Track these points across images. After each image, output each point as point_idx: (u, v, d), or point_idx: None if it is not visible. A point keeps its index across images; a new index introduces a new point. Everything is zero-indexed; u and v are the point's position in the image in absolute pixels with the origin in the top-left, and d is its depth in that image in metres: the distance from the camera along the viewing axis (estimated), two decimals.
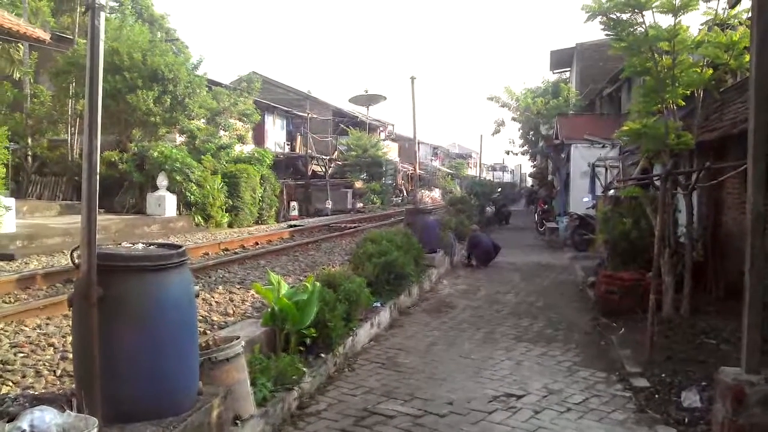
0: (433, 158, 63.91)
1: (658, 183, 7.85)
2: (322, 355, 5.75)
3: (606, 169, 14.19)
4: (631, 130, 7.80)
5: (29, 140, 20.47)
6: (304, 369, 5.18)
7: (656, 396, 5.30)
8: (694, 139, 7.49)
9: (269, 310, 5.55)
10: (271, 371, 4.75)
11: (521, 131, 35.07)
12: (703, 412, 4.81)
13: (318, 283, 5.95)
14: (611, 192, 12.61)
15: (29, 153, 20.60)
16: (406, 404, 5.15)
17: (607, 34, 8.10)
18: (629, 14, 7.47)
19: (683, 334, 6.81)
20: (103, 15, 3.13)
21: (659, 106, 7.70)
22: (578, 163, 18.28)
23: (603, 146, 16.99)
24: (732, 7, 6.76)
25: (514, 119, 34.07)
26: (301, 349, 5.57)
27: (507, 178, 76.60)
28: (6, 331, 5.71)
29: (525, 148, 37.67)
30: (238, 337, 4.36)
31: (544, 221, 22.58)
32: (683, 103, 7.91)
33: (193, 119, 21.07)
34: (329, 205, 30.66)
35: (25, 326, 5.88)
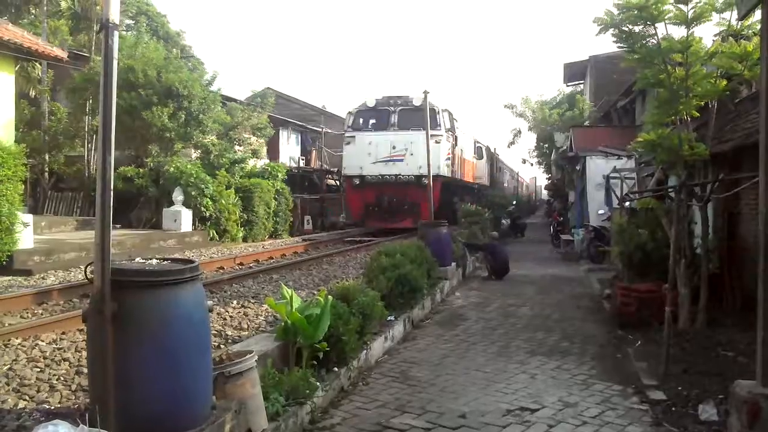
0: None
1: (673, 194, 7.81)
2: (335, 369, 5.75)
3: (621, 181, 14.11)
4: (646, 141, 7.79)
5: (47, 156, 20.72)
6: (317, 383, 5.18)
7: (673, 409, 5.25)
8: (708, 150, 7.45)
9: (282, 324, 5.56)
10: (283, 385, 4.75)
11: (536, 143, 35.08)
12: (720, 426, 4.76)
13: (331, 297, 5.96)
14: (627, 204, 12.55)
15: (46, 169, 20.86)
16: (419, 418, 5.13)
17: (619, 47, 8.10)
18: (641, 26, 7.46)
19: (700, 347, 6.75)
20: (116, 34, 3.18)
21: (673, 117, 7.67)
22: (593, 175, 18.21)
23: (618, 158, 16.92)
24: (742, 18, 6.73)
25: (530, 129, 34.15)
26: (315, 363, 5.57)
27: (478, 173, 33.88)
28: (23, 345, 5.77)
29: (540, 159, 37.71)
30: (251, 352, 4.38)
31: (559, 233, 22.49)
32: (697, 114, 7.88)
33: (207, 134, 21.24)
34: (344, 218, 30.66)
35: (41, 341, 5.94)
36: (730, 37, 7.74)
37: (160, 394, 3.34)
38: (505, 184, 49.92)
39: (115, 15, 3.19)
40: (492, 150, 39.26)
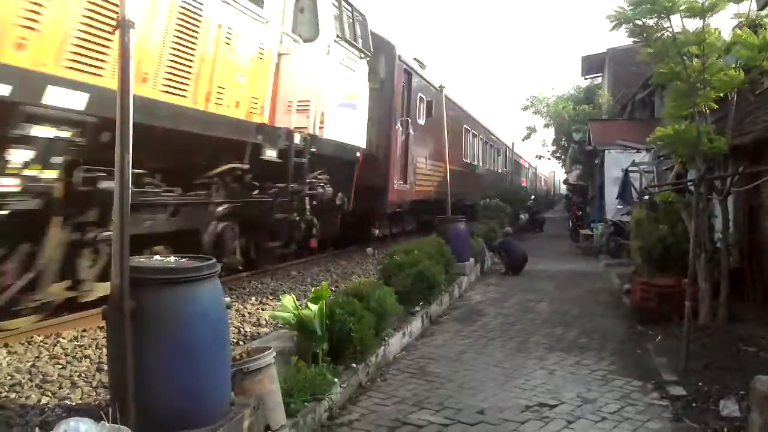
0: None
1: (692, 188, 7.73)
2: (354, 365, 5.77)
3: (640, 175, 14.00)
4: (664, 134, 7.70)
5: None
6: (335, 379, 5.20)
7: (694, 405, 5.20)
8: (728, 143, 7.36)
9: (301, 321, 5.58)
10: (302, 381, 4.77)
11: (554, 137, 34.88)
12: (742, 422, 4.71)
13: (347, 296, 6.00)
14: (645, 197, 12.44)
15: None
16: (437, 414, 5.13)
17: (634, 41, 8.02)
18: (655, 20, 7.37)
19: (720, 342, 6.68)
20: (132, 32, 3.21)
21: (691, 110, 7.58)
22: (612, 169, 18.04)
23: (637, 151, 16.78)
24: (762, 8, 6.63)
25: (546, 126, 33.95)
26: (332, 359, 5.59)
27: None
28: (45, 343, 5.83)
29: (558, 154, 37.50)
30: (269, 348, 4.40)
31: (578, 228, 22.35)
32: (716, 107, 7.77)
33: None
34: None
35: (63, 338, 6.00)
36: (746, 28, 7.62)
37: (178, 390, 3.38)
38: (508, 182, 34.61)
39: (131, 13, 3.21)
40: (439, 89, 17.02)
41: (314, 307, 5.43)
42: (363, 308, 6.13)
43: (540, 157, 40.66)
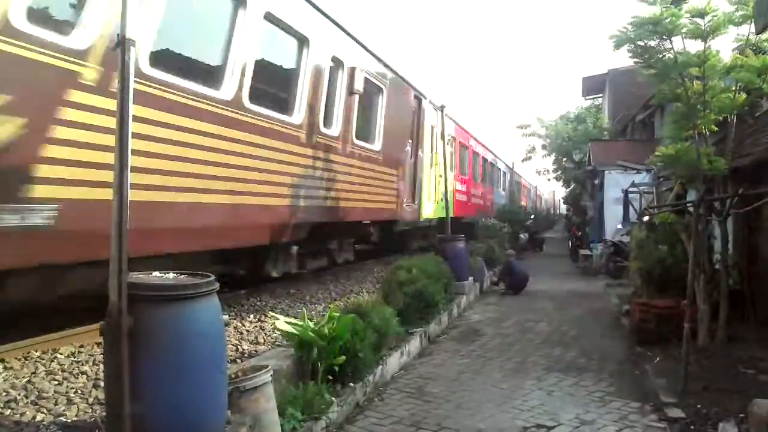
0: None
1: (692, 209, 7.74)
2: (351, 384, 5.74)
3: (640, 195, 14.02)
4: (664, 155, 7.73)
5: None
6: (332, 398, 5.18)
7: (692, 427, 5.18)
8: (728, 165, 7.38)
9: (298, 339, 5.57)
10: (299, 400, 4.76)
11: (554, 157, 34.95)
12: None
13: (347, 314, 5.98)
14: (645, 218, 12.45)
15: None
16: None
17: (636, 62, 8.07)
18: (657, 41, 7.43)
19: (719, 364, 6.65)
20: (133, 50, 3.23)
21: (691, 132, 7.61)
22: (612, 189, 18.07)
23: (637, 172, 16.82)
24: (760, 32, 6.68)
25: (544, 147, 34.06)
26: (330, 377, 5.57)
27: None
28: (42, 358, 5.81)
29: (558, 173, 37.52)
30: (266, 366, 4.39)
31: (577, 248, 22.34)
32: (716, 129, 7.81)
33: None
34: None
35: (60, 354, 5.98)
36: (748, 50, 7.68)
37: (174, 408, 3.36)
38: None
39: (131, 31, 3.24)
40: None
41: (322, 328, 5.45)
42: (365, 327, 6.12)
43: (540, 172, 40.57)
